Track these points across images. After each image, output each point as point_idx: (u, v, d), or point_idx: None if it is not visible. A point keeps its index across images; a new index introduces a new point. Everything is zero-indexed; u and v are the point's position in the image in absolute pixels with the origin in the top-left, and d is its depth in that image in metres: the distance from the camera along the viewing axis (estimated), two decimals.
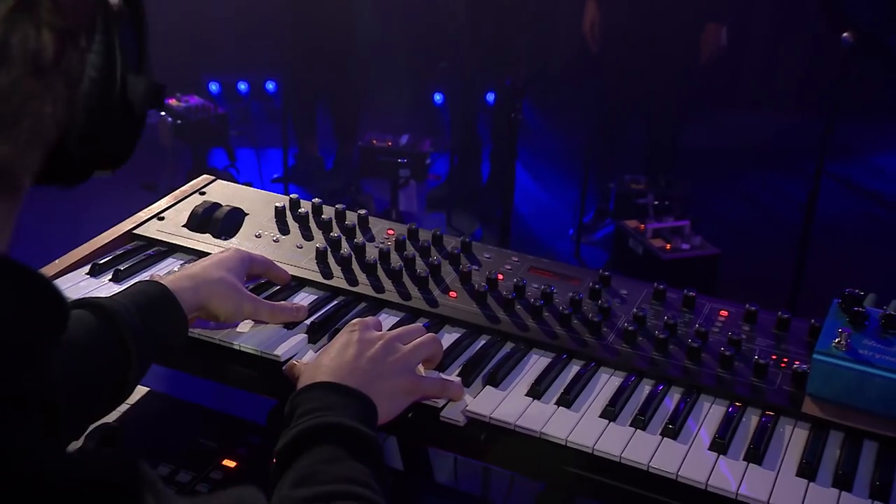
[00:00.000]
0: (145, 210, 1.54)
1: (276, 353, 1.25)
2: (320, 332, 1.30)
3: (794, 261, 2.76)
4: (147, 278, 1.32)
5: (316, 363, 1.12)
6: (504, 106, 3.78)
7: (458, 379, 1.21)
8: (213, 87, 4.98)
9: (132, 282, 1.34)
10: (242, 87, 4.96)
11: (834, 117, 2.59)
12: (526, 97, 2.92)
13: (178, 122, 3.92)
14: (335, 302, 1.39)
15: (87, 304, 1.08)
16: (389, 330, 1.24)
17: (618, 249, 3.53)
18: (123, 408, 1.24)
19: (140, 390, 1.31)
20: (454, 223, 3.94)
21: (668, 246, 3.28)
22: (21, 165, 0.56)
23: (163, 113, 3.93)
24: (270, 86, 4.90)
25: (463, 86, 3.99)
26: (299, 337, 1.29)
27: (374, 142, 3.92)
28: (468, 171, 4.14)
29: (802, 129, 4.48)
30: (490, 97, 4.17)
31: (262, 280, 1.39)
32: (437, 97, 4.87)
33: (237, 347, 1.27)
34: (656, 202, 3.58)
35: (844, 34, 2.52)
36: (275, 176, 4.18)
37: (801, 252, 2.75)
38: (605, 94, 3.91)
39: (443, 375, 1.21)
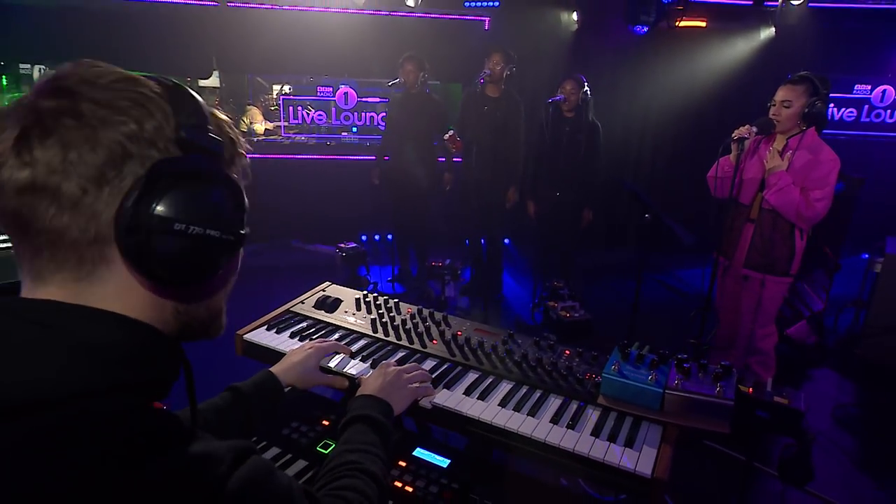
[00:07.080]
0: (296, 299, 1.50)
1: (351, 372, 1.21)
2: (372, 362, 1.27)
3: (629, 322, 2.61)
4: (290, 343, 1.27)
5: (364, 384, 1.05)
6: (497, 247, 3.79)
7: (430, 386, 1.14)
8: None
9: (291, 331, 1.33)
10: (364, 238, 5.07)
11: (646, 253, 2.50)
12: (511, 245, 2.89)
13: (343, 254, 3.99)
14: (376, 345, 1.34)
15: (232, 387, 0.98)
16: (399, 363, 1.19)
17: (546, 316, 3.38)
18: None
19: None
20: (473, 303, 3.86)
21: (568, 315, 3.16)
22: None
23: (338, 251, 4.00)
24: (388, 237, 5.02)
25: (474, 237, 4.00)
26: (364, 365, 1.26)
27: (434, 263, 3.93)
28: (479, 277, 4.09)
29: (633, 258, 4.33)
30: (483, 241, 4.13)
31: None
32: (466, 242, 4.90)
33: (335, 370, 1.22)
34: (569, 292, 3.47)
35: (646, 215, 2.46)
36: (388, 278, 4.19)
37: (633, 317, 2.60)
38: (541, 245, 3.87)
39: (421, 385, 1.13)
